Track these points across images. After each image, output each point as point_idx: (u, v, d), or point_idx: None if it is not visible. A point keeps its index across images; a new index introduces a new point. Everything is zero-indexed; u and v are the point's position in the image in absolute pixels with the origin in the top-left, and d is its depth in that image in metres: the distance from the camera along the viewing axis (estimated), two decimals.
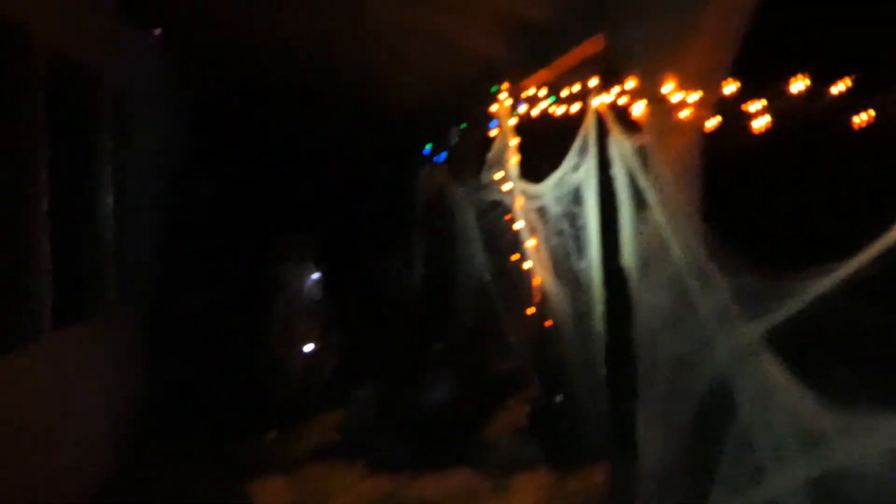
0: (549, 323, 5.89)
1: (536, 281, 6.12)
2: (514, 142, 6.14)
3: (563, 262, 5.40)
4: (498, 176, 6.33)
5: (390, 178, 11.41)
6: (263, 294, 7.60)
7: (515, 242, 6.26)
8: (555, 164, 5.36)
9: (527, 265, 6.11)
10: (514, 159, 6.13)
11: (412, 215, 10.42)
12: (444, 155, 9.28)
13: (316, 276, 7.60)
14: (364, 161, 11.06)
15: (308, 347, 7.35)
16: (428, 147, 10.27)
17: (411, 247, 10.05)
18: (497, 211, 6.54)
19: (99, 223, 5.79)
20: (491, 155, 6.51)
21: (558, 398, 5.49)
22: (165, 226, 7.77)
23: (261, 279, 7.84)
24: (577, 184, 5.05)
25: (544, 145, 5.79)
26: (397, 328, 8.55)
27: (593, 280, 4.80)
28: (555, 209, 5.47)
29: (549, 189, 5.49)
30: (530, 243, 6.01)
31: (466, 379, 5.35)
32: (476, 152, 7.69)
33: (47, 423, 4.57)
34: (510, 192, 6.18)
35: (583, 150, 4.91)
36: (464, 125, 8.01)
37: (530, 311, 6.18)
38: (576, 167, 5.04)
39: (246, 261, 8.43)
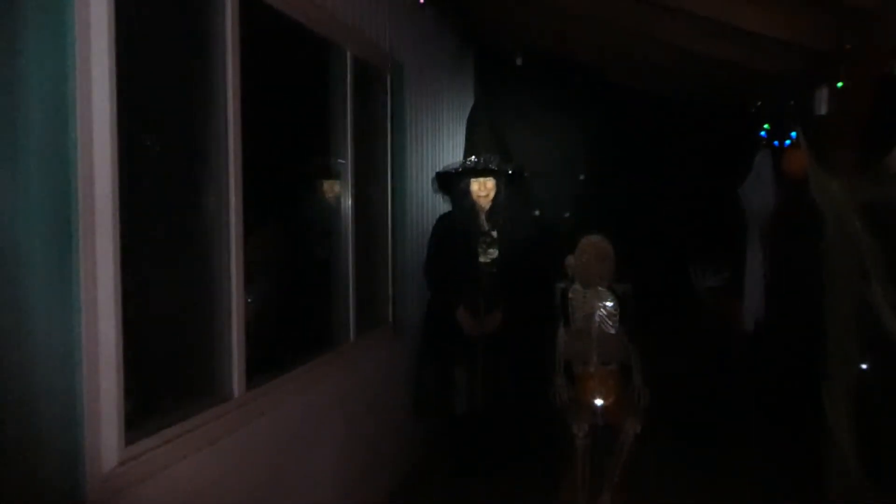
0: None
1: None
2: None
3: None
4: None
5: (706, 171, 8.83)
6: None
7: None
8: None
9: None
10: None
11: (740, 223, 7.68)
12: (793, 135, 6.50)
13: (610, 304, 5.30)
14: (671, 147, 8.68)
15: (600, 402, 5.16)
16: (765, 128, 7.53)
17: (740, 268, 7.33)
18: None
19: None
20: None
21: None
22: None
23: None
24: None
25: None
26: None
27: None
28: None
29: None
30: None
31: None
32: (867, 123, 4.92)
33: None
34: None
35: None
36: (840, 84, 5.22)
37: None
38: None
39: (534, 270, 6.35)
